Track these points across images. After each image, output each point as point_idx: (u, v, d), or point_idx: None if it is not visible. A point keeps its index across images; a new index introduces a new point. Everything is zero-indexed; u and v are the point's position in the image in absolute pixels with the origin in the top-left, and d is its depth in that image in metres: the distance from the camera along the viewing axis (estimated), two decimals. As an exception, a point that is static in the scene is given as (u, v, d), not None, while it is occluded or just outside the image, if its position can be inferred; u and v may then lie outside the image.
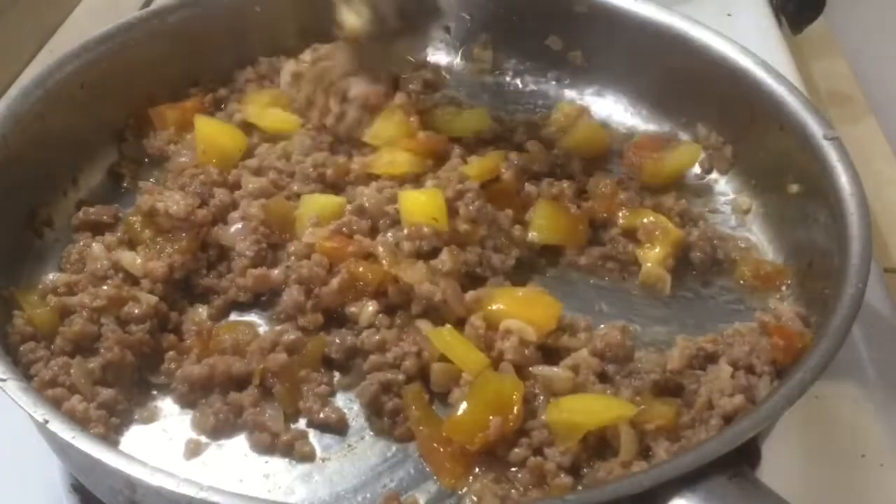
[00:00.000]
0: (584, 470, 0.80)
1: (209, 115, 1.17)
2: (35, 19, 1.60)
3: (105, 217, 1.04)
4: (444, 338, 0.87)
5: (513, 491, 0.79)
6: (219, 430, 0.85)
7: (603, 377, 0.87)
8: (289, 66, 1.18)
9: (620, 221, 1.04)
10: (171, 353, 0.91)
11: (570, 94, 1.27)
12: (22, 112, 1.00)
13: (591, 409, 0.82)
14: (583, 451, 0.80)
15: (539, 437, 0.81)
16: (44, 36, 1.60)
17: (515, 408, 0.81)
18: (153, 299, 0.92)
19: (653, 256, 0.99)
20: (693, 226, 1.05)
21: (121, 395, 0.87)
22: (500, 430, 0.79)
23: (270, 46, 1.26)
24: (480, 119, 1.16)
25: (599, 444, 0.81)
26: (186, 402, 0.88)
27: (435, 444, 0.82)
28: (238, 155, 1.10)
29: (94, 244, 0.98)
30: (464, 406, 0.82)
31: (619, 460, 0.79)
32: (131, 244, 0.98)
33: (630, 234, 1.03)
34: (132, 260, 0.95)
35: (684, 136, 1.18)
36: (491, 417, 0.80)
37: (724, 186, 1.14)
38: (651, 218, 1.02)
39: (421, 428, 0.84)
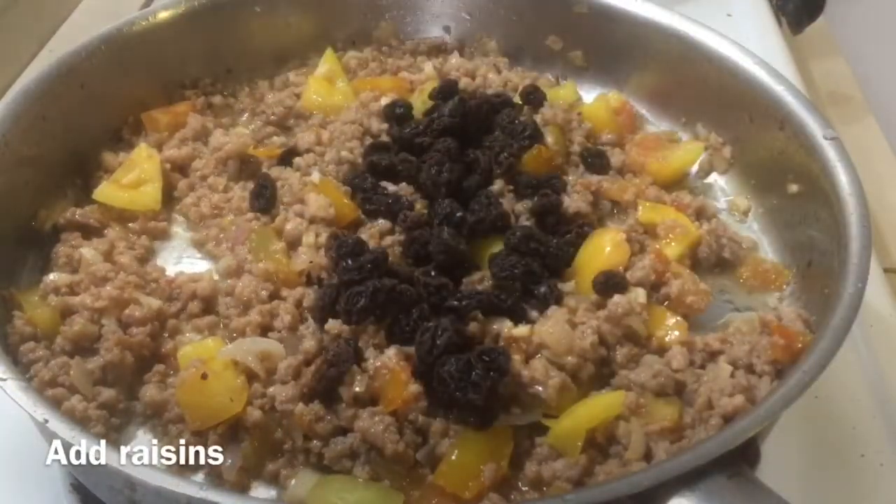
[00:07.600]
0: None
1: (201, 117, 1.17)
2: (35, 19, 1.60)
3: (92, 220, 1.03)
4: None
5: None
6: (185, 463, 0.80)
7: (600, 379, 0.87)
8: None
9: (640, 213, 1.03)
10: (160, 367, 0.89)
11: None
12: (22, 112, 1.00)
13: (585, 410, 0.82)
14: (588, 462, 0.79)
15: (543, 454, 0.81)
16: (44, 36, 1.60)
17: (507, 451, 0.79)
18: (155, 303, 0.92)
19: (672, 253, 0.98)
20: (706, 221, 1.05)
21: (121, 394, 0.87)
22: (494, 476, 0.77)
23: (271, 50, 1.26)
24: None
25: (606, 443, 0.81)
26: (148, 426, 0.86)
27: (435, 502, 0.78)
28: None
29: (83, 249, 0.98)
30: (455, 454, 0.79)
31: (624, 458, 0.79)
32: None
33: (649, 227, 1.02)
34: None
35: (684, 136, 1.19)
36: (483, 466, 0.77)
37: (724, 186, 1.14)
38: (672, 217, 1.02)
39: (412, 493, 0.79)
